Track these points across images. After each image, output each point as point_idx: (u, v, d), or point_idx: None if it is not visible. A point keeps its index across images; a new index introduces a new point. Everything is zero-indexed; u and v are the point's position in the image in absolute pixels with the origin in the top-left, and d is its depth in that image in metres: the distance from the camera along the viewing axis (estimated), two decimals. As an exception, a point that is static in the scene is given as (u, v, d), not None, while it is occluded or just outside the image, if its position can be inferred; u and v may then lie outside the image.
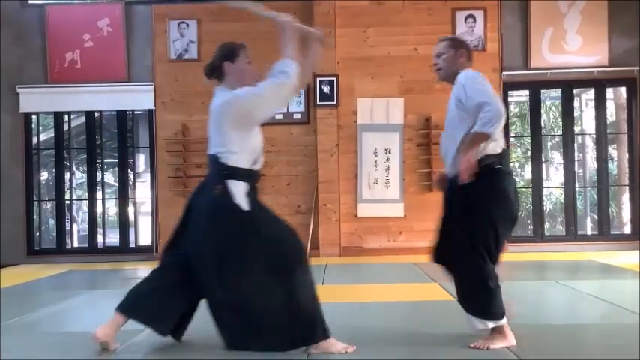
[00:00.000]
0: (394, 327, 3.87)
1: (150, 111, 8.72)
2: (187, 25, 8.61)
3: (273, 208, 3.64)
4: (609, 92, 9.74)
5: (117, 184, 9.71)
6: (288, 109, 8.52)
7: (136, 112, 9.27)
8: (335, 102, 8.38)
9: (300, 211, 8.46)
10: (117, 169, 9.27)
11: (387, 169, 8.43)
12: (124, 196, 9.09)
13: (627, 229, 9.08)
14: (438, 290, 5.24)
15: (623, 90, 9.22)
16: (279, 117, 8.52)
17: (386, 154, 8.44)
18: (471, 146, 3.20)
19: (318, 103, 8.38)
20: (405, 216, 8.38)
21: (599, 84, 8.71)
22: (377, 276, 6.55)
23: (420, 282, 5.85)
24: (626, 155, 9.02)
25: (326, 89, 8.37)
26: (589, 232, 10.52)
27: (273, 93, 3.45)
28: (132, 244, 8.98)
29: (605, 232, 8.70)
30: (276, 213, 3.61)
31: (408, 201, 8.38)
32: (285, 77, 3.41)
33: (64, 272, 7.41)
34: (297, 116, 8.56)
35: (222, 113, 3.42)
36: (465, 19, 8.43)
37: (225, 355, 3.35)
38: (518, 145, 12.89)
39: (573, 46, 8.44)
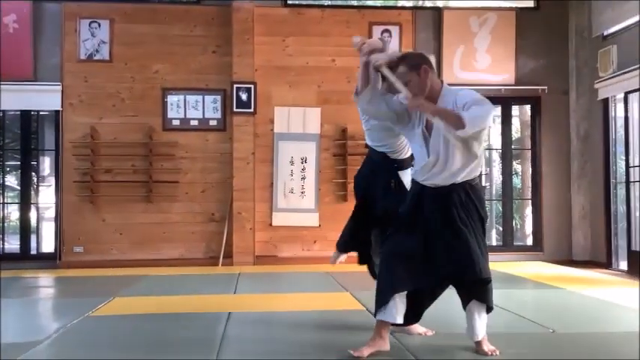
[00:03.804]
0: (306, 336, 3.85)
1: (57, 112, 8.35)
2: (99, 24, 8.32)
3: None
4: (515, 110, 10.20)
5: (19, 188, 9.23)
6: (204, 115, 8.41)
7: (41, 113, 8.85)
8: (252, 110, 8.33)
9: (214, 219, 8.32)
10: (20, 171, 8.81)
11: (303, 178, 8.44)
12: (26, 200, 8.64)
13: (529, 241, 9.51)
14: (349, 299, 5.28)
15: (528, 108, 9.67)
16: (194, 123, 8.40)
17: (302, 163, 8.46)
18: (445, 115, 3.24)
19: (234, 110, 8.30)
20: (319, 225, 8.41)
21: (505, 102, 9.10)
22: (290, 285, 6.53)
23: (333, 291, 5.87)
24: (530, 170, 9.46)
25: (243, 96, 8.30)
26: (494, 243, 10.93)
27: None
28: (33, 251, 8.56)
29: (508, 243, 9.08)
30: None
31: (322, 210, 8.42)
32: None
33: (-43, 281, 6.94)
34: (213, 123, 8.44)
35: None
36: (382, 33, 8.59)
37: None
38: (430, 157, 13.24)
39: (483, 64, 8.79)
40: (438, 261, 3.38)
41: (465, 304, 3.47)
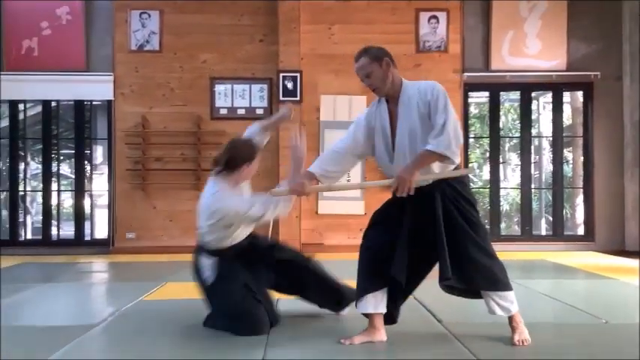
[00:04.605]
0: (353, 324, 3.88)
1: (109, 102, 8.56)
2: (149, 15, 8.48)
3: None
4: (566, 96, 9.96)
5: (73, 176, 9.52)
6: (250, 104, 8.49)
7: (94, 103, 9.09)
8: (298, 98, 8.36)
9: (261, 207, 8.39)
10: (73, 160, 9.07)
11: (349, 166, 8.43)
12: (80, 187, 8.92)
13: (580, 231, 9.31)
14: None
15: (580, 94, 9.44)
16: (241, 112, 8.49)
17: (348, 151, 8.44)
18: (423, 163, 3.25)
19: (281, 98, 8.35)
20: (365, 214, 8.41)
21: (556, 88, 8.90)
22: (336, 273, 6.52)
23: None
24: (582, 158, 9.24)
25: (289, 85, 8.34)
26: (544, 233, 10.76)
27: (254, 216, 3.71)
28: (87, 237, 8.83)
29: (559, 232, 8.90)
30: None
31: (368, 199, 8.42)
32: (271, 211, 3.72)
33: (17, 265, 7.22)
34: (259, 111, 8.51)
35: (209, 214, 3.84)
36: (429, 20, 8.51)
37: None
38: (477, 145, 13.08)
39: (533, 49, 8.60)
40: (422, 264, 3.40)
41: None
